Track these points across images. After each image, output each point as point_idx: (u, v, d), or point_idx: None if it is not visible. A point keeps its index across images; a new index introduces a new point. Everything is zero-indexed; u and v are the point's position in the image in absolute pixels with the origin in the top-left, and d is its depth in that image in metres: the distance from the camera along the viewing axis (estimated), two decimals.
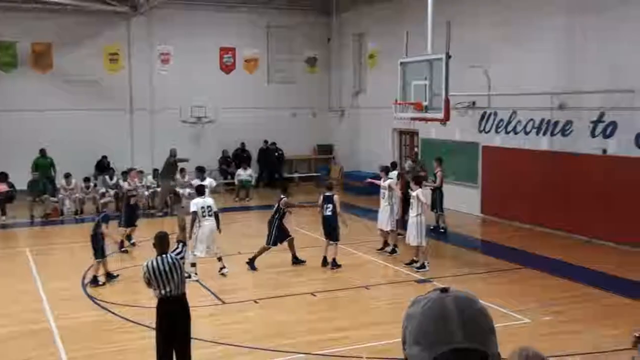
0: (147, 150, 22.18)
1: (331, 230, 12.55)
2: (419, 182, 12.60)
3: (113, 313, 10.09)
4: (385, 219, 13.66)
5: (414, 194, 12.36)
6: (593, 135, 14.37)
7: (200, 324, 8.98)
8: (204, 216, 11.96)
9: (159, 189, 19.38)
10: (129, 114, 22.50)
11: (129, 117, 22.51)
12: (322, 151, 25.28)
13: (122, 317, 9.86)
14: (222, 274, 12.06)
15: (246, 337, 9.05)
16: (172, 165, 19.40)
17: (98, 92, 21.85)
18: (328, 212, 12.50)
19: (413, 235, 12.27)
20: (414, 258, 12.56)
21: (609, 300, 10.40)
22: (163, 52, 22.91)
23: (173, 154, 19.61)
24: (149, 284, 7.12)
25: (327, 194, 12.72)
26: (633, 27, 13.35)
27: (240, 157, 23.16)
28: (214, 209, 12.11)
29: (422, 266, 12.31)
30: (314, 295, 10.98)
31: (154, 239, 7.36)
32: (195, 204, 12.02)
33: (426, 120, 14.46)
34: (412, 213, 12.38)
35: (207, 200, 12.31)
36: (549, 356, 2.82)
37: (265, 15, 24.04)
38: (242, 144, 23.44)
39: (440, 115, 12.98)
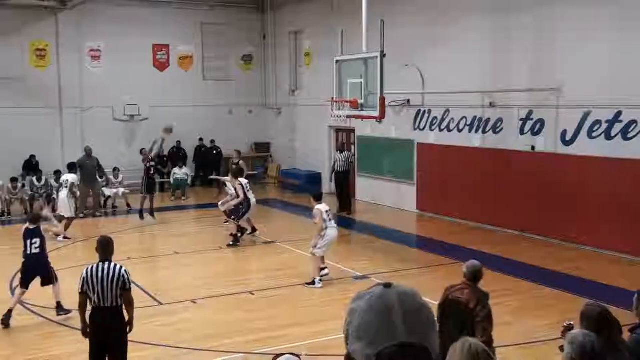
0: (78, 149, 21.46)
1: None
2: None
3: (44, 318, 9.76)
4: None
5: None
6: (522, 132, 14.82)
7: (137, 326, 8.74)
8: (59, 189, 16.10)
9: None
10: (59, 112, 21.76)
11: (59, 116, 21.78)
12: (259, 149, 25.14)
13: (54, 322, 9.56)
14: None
15: (185, 337, 8.92)
16: (87, 168, 18.28)
17: (24, 90, 20.99)
18: (35, 250, 9.66)
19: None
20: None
21: (539, 292, 10.76)
22: (93, 48, 22.27)
23: (88, 152, 18.72)
24: (82, 291, 6.81)
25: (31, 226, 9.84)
26: (558, 26, 13.81)
27: (176, 156, 22.78)
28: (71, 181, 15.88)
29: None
30: (252, 294, 10.92)
31: (97, 243, 7.07)
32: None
33: (362, 118, 14.60)
34: None
35: (66, 176, 16.23)
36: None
37: (199, 12, 23.70)
38: (178, 142, 23.04)
39: (376, 113, 13.11)
